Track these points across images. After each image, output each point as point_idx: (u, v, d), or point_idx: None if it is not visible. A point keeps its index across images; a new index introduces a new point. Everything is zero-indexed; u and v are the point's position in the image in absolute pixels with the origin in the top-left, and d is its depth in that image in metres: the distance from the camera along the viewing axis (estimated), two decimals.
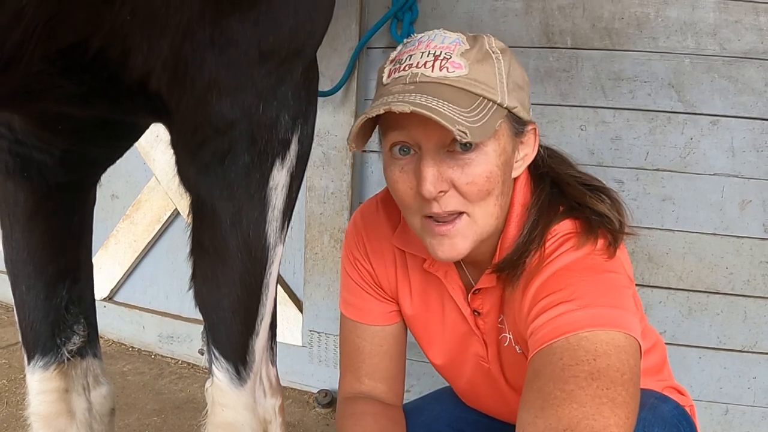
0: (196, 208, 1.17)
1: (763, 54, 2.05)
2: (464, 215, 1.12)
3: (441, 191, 1.09)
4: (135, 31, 0.94)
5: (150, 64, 0.99)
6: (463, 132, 1.01)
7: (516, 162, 1.17)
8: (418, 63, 1.10)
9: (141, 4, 0.92)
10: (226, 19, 1.01)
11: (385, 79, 1.13)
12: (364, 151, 2.53)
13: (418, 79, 1.08)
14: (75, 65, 0.94)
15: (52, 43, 0.88)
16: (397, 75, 1.11)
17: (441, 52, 1.10)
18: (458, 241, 1.12)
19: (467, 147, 1.08)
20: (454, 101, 1.05)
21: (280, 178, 1.16)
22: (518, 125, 1.15)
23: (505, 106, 1.10)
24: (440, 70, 1.08)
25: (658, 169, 2.18)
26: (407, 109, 1.02)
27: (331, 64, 2.42)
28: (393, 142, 1.12)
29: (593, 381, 0.95)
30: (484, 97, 1.08)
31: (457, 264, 1.28)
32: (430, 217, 1.12)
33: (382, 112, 1.04)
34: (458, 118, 1.03)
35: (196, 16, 0.98)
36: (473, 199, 1.11)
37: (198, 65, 1.02)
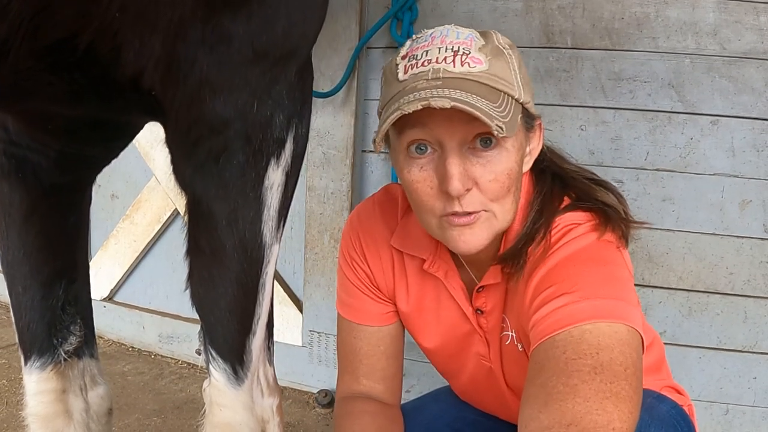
0: (191, 208, 1.17)
1: (763, 54, 2.04)
2: (484, 212, 1.10)
3: (466, 189, 1.07)
4: (125, 28, 0.94)
5: (142, 62, 0.99)
6: (500, 127, 1.00)
7: (525, 157, 1.17)
8: (437, 58, 1.07)
9: (130, 0, 0.92)
10: (217, 17, 1.00)
11: (401, 76, 1.10)
12: (364, 151, 2.53)
13: (441, 74, 1.05)
14: (65, 62, 0.94)
15: (39, 38, 0.87)
16: (416, 71, 1.08)
17: (459, 47, 1.08)
18: (478, 231, 1.11)
19: (488, 144, 1.07)
20: (483, 96, 1.03)
21: (275, 177, 1.16)
22: (530, 120, 1.15)
23: (521, 101, 1.09)
24: (462, 66, 1.06)
25: (658, 169, 2.17)
26: (447, 104, 0.99)
27: (330, 64, 2.41)
28: (412, 140, 1.09)
29: (596, 375, 0.94)
30: (505, 93, 1.07)
31: (458, 264, 1.27)
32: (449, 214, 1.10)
33: (420, 107, 1.01)
34: (493, 113, 1.02)
35: (188, 13, 0.98)
36: (495, 196, 1.09)
37: (190, 63, 1.02)
